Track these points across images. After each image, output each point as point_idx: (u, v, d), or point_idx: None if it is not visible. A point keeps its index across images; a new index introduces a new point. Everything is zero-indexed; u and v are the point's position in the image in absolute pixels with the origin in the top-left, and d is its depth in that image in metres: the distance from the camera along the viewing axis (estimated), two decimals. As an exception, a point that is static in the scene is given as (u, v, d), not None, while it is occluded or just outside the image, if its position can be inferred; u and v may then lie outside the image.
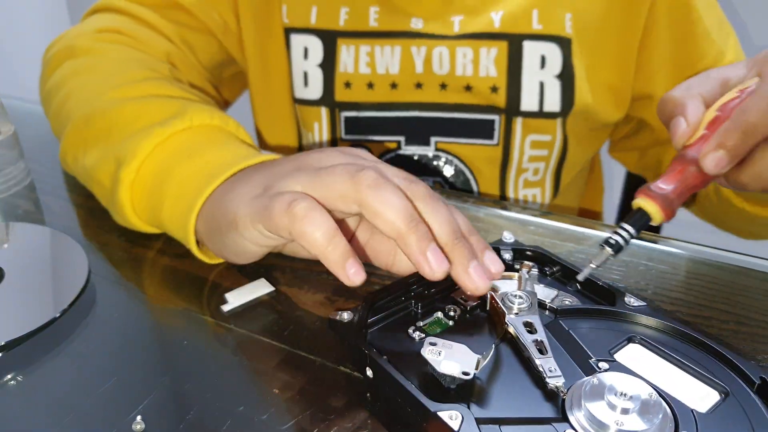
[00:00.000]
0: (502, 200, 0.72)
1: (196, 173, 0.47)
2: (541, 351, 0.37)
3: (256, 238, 0.42)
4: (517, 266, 0.45)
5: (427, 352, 0.36)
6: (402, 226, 0.37)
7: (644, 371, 0.37)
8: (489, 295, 0.42)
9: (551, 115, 0.68)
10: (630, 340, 0.39)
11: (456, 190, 0.72)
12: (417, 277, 0.43)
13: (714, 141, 0.41)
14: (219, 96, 0.79)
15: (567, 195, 0.75)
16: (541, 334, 0.38)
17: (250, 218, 0.41)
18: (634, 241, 0.53)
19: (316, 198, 0.39)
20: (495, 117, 0.68)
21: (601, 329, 0.40)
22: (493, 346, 0.38)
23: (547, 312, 0.42)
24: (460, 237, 0.40)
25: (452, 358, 0.35)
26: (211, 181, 0.46)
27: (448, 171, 0.72)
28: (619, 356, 0.38)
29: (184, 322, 0.45)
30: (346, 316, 0.39)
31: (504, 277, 0.44)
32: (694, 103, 0.42)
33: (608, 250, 0.41)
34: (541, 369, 0.35)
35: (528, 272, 0.42)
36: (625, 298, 0.41)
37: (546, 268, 0.46)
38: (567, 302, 0.42)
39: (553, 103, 0.67)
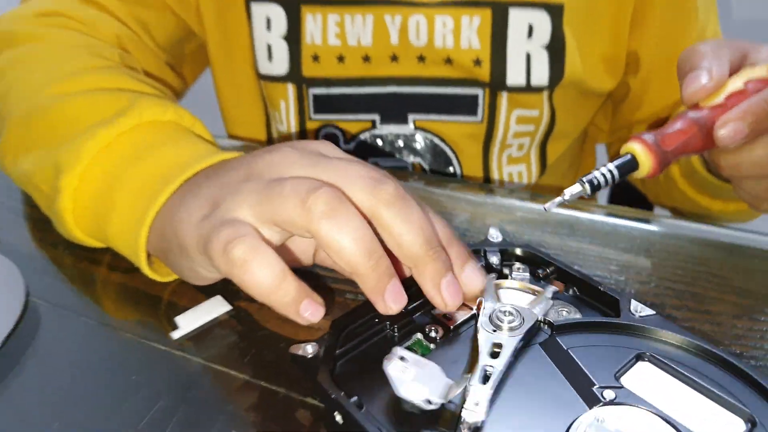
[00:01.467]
0: (486, 183, 0.66)
1: (145, 180, 0.41)
2: (485, 379, 0.32)
3: (209, 266, 0.36)
4: (506, 271, 0.40)
5: (392, 368, 0.30)
6: (359, 263, 0.32)
7: (656, 397, 0.32)
8: (476, 311, 0.37)
9: (539, 89, 0.61)
10: (639, 358, 0.34)
11: (436, 174, 0.67)
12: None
13: (739, 111, 0.38)
14: (180, 78, 0.72)
15: (555, 172, 0.69)
16: (500, 363, 0.33)
17: (197, 248, 0.35)
18: (631, 225, 0.47)
19: (265, 220, 0.34)
20: (478, 92, 0.62)
21: (604, 346, 0.35)
22: (467, 375, 0.32)
23: (543, 326, 0.36)
24: (434, 246, 0.34)
25: (420, 381, 0.30)
26: (163, 189, 0.40)
27: (426, 151, 0.66)
28: (627, 380, 0.33)
29: (134, 352, 0.40)
30: (309, 349, 0.34)
31: (507, 287, 0.39)
32: (722, 62, 0.40)
33: (586, 186, 0.37)
34: (465, 396, 0.31)
35: (551, 294, 0.37)
36: (631, 307, 0.36)
37: (539, 270, 0.40)
38: (565, 312, 0.37)
39: (540, 77, 0.61)
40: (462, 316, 0.37)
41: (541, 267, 0.40)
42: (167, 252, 0.40)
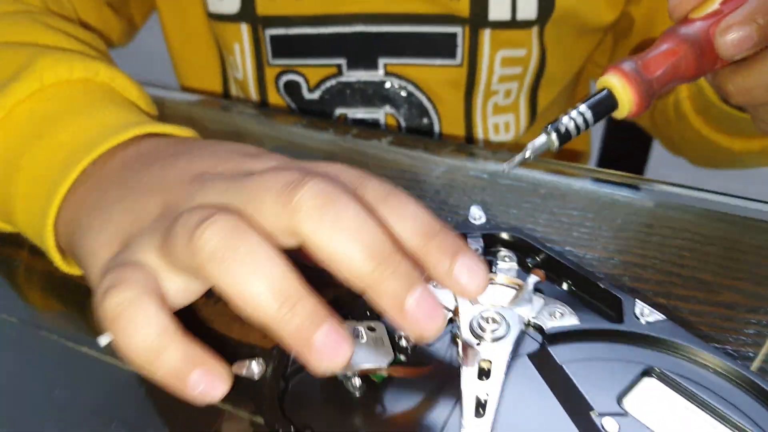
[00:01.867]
0: (468, 143, 0.59)
1: (47, 164, 0.34)
2: (478, 412, 0.26)
3: None
4: (489, 258, 0.34)
5: None
6: (267, 313, 0.24)
7: (667, 426, 0.27)
8: (453, 317, 0.31)
9: (526, 24, 0.54)
10: (646, 374, 0.29)
11: (412, 132, 0.59)
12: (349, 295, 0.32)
13: (744, 13, 0.32)
14: (125, 20, 0.62)
15: (547, 122, 0.62)
16: (493, 385, 0.27)
17: (94, 281, 0.29)
18: (630, 195, 0.42)
19: (167, 264, 0.27)
20: (457, 29, 0.54)
21: (606, 359, 0.29)
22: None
23: (531, 329, 0.31)
24: (385, 258, 0.25)
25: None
26: (64, 176, 0.33)
27: (400, 101, 0.59)
28: (632, 403, 0.28)
29: (58, 358, 0.34)
30: (255, 368, 0.28)
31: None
32: None
33: (552, 136, 0.31)
34: None
35: (535, 284, 0.32)
36: (636, 309, 0.30)
37: (528, 259, 0.35)
38: (558, 314, 0.31)
39: (528, 9, 0.53)
40: (437, 319, 0.31)
41: (530, 255, 0.34)
42: (76, 257, 0.33)
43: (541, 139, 0.31)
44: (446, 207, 0.41)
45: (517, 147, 0.61)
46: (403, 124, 0.60)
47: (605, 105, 0.31)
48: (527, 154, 0.32)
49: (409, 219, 0.27)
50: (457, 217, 0.40)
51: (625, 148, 0.78)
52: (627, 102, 0.31)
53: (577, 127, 0.31)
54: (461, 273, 0.26)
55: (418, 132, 0.59)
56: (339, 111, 0.60)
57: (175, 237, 0.25)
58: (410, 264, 0.25)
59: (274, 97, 0.60)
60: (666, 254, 0.38)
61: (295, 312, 0.24)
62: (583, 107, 0.31)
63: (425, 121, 0.59)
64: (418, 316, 0.25)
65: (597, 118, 0.31)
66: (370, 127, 0.57)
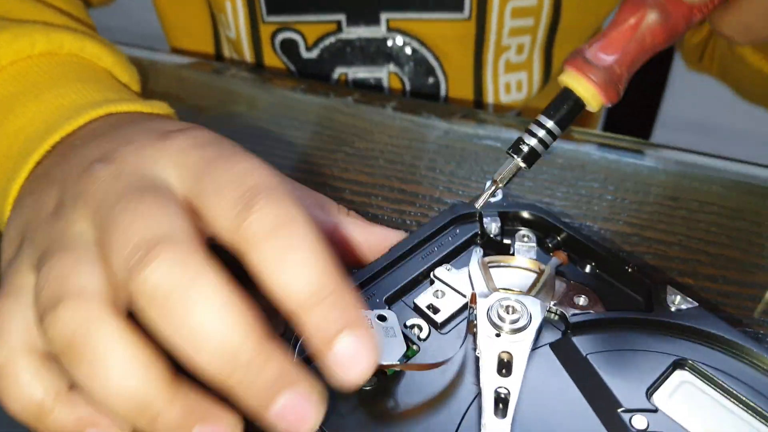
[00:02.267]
0: (477, 103, 0.56)
1: (6, 152, 0.31)
2: (499, 411, 0.25)
3: None
4: (507, 240, 0.32)
5: None
6: (226, 377, 0.21)
7: (701, 423, 0.25)
8: (469, 305, 0.29)
9: (537, -29, 0.50)
10: (677, 366, 0.27)
11: (417, 95, 0.56)
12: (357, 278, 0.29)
13: None
14: None
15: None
16: (514, 380, 0.25)
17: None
18: (653, 165, 0.39)
19: None
20: (464, -21, 0.51)
21: (634, 350, 0.27)
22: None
23: (553, 317, 0.29)
24: (318, 296, 0.21)
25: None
26: (21, 165, 0.30)
27: (404, 59, 0.55)
28: (663, 398, 0.26)
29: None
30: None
31: (497, 263, 0.30)
32: None
33: (517, 160, 0.28)
34: None
35: (557, 267, 0.29)
36: (668, 297, 0.28)
37: (548, 239, 0.32)
38: (582, 300, 0.29)
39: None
40: (450, 306, 0.29)
41: (551, 235, 0.32)
42: None
43: (506, 164, 0.28)
44: (456, 179, 0.39)
45: (528, 110, 0.59)
46: (407, 84, 0.56)
47: (569, 108, 0.27)
48: (494, 188, 0.29)
49: (297, 267, 0.21)
50: (468, 190, 0.38)
51: (631, 111, 0.75)
52: (591, 98, 0.27)
53: (542, 141, 0.27)
54: (340, 359, 0.21)
55: (424, 94, 0.56)
56: (339, 71, 0.56)
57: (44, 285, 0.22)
58: (283, 359, 0.21)
59: (270, 58, 0.56)
60: (692, 230, 0.35)
61: (252, 375, 0.20)
62: (544, 120, 0.27)
63: (431, 80, 0.56)
64: (288, 421, 0.20)
65: (565, 124, 0.27)
66: (372, 90, 0.54)
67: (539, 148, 0.27)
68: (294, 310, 0.21)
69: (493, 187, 0.29)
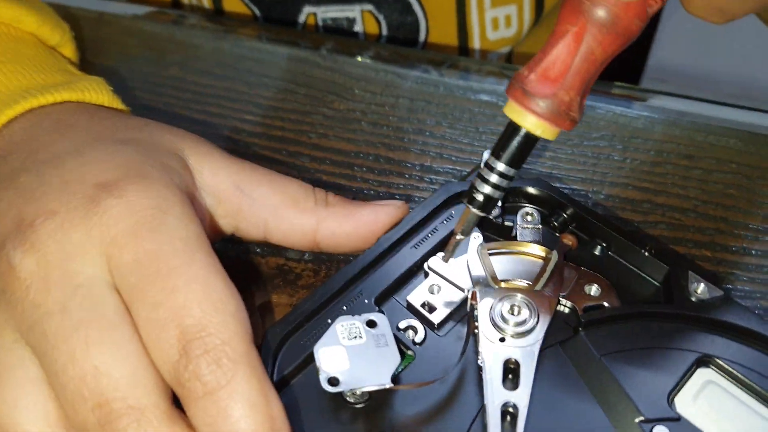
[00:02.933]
0: (461, 43, 0.51)
1: None
2: (506, 420, 0.23)
3: None
4: (509, 222, 0.29)
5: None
6: None
7: (727, 428, 0.23)
8: (469, 303, 0.26)
9: None
10: (701, 364, 0.24)
11: (394, 33, 0.51)
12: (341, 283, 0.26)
13: None
14: None
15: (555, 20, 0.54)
16: (522, 393, 0.23)
17: None
18: (662, 119, 0.35)
19: None
20: None
21: (652, 348, 0.25)
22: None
23: (564, 311, 0.26)
24: None
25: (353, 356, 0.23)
26: None
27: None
28: (686, 402, 0.24)
29: None
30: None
31: (498, 250, 0.27)
32: None
33: (474, 211, 0.24)
34: None
35: (562, 250, 0.27)
36: (690, 285, 0.25)
37: (554, 217, 0.29)
38: (593, 291, 0.26)
39: None
40: (447, 302, 0.26)
41: (557, 212, 0.29)
42: None
43: (465, 215, 0.25)
44: (448, 142, 0.35)
45: (519, 55, 0.54)
46: (383, 24, 0.51)
47: (520, 144, 0.23)
48: (459, 240, 0.26)
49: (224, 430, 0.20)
50: (463, 156, 0.34)
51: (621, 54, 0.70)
52: (542, 131, 0.23)
53: (497, 186, 0.24)
54: None
55: (402, 39, 0.51)
56: (307, 10, 0.51)
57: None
58: None
59: (231, 1, 0.51)
60: (709, 193, 0.32)
61: None
62: (492, 160, 0.24)
63: (409, 18, 0.51)
64: None
65: (518, 163, 0.23)
66: (345, 36, 0.49)
67: (495, 194, 0.24)
68: None
69: (458, 239, 0.26)
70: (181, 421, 0.20)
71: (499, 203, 0.28)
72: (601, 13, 0.21)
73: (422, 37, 0.51)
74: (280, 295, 0.29)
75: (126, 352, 0.20)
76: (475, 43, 0.51)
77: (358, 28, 0.51)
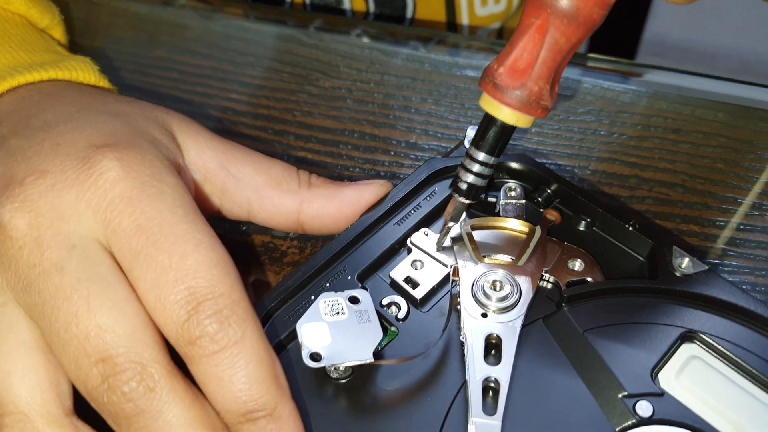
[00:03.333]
0: (449, 20, 0.50)
1: None
2: (488, 405, 0.22)
3: None
4: (492, 198, 0.28)
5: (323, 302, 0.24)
6: None
7: (713, 406, 0.23)
8: (451, 279, 0.26)
9: None
10: (685, 339, 0.24)
11: (381, 8, 0.50)
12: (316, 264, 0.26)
13: None
14: None
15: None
16: (504, 368, 0.23)
17: None
18: (650, 93, 0.35)
19: None
20: None
21: (636, 324, 0.25)
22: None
23: (547, 286, 0.26)
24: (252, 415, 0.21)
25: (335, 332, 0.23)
26: None
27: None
28: (669, 378, 0.23)
29: None
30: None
31: (481, 226, 0.27)
32: None
33: (461, 199, 0.25)
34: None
35: (548, 224, 0.27)
36: (674, 260, 0.25)
37: (537, 193, 0.29)
38: (576, 266, 0.26)
39: None
40: (429, 278, 0.26)
41: (541, 188, 0.28)
42: None
43: (452, 204, 0.25)
44: (434, 118, 0.35)
45: (509, 31, 0.53)
46: (370, 1, 0.50)
47: (497, 133, 0.24)
48: (449, 228, 0.26)
49: (236, 387, 0.21)
50: (448, 132, 0.34)
51: (617, 29, 0.69)
52: (516, 121, 0.23)
53: (480, 175, 0.24)
54: None
55: (390, 15, 0.50)
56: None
57: None
58: None
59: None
60: (697, 167, 0.32)
61: None
62: (473, 150, 0.24)
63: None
64: None
65: (498, 151, 0.24)
66: (333, 13, 0.48)
67: (479, 182, 0.25)
68: (230, 425, 0.21)
69: (448, 227, 0.26)
70: (180, 376, 0.21)
71: (483, 179, 0.28)
72: (562, 4, 0.22)
73: (410, 13, 0.51)
74: (266, 273, 0.29)
75: (126, 310, 0.21)
76: (464, 19, 0.51)
77: (345, 5, 0.50)
